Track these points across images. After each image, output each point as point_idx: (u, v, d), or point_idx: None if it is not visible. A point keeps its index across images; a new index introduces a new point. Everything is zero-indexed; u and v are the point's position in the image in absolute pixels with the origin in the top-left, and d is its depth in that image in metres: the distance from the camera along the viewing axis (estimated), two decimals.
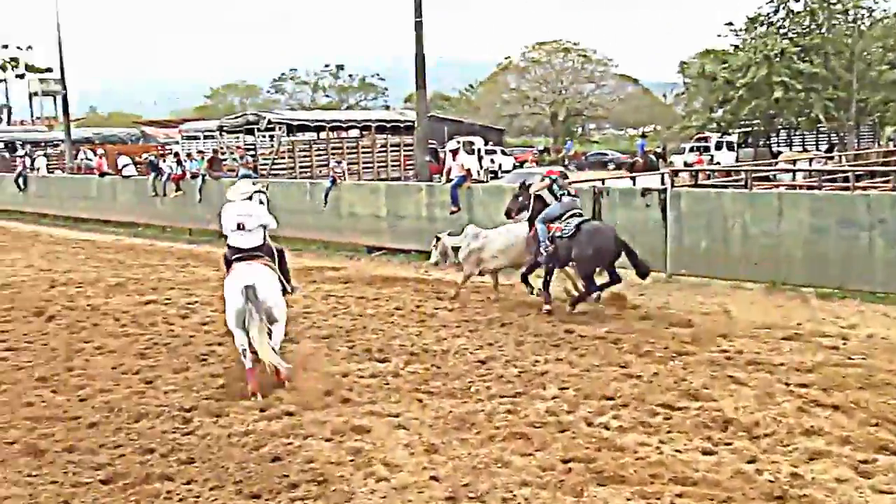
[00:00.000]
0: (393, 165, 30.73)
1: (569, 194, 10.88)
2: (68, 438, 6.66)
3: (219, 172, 21.19)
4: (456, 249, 11.82)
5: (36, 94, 62.06)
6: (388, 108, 61.16)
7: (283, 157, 27.26)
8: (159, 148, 34.32)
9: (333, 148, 28.80)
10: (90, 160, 27.32)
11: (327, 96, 77.45)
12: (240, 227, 7.99)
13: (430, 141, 21.19)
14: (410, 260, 15.65)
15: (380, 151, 30.92)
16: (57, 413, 7.27)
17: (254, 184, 8.70)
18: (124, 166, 24.32)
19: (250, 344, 7.48)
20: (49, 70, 46.88)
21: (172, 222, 21.82)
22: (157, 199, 22.21)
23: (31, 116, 62.77)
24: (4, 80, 47.27)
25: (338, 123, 31.70)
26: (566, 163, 45.48)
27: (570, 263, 10.68)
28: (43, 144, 38.85)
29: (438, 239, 12.13)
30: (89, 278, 14.42)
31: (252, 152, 26.22)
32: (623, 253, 10.33)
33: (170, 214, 21.95)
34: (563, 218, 10.68)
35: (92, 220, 24.40)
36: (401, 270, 14.54)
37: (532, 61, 63.91)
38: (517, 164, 45.52)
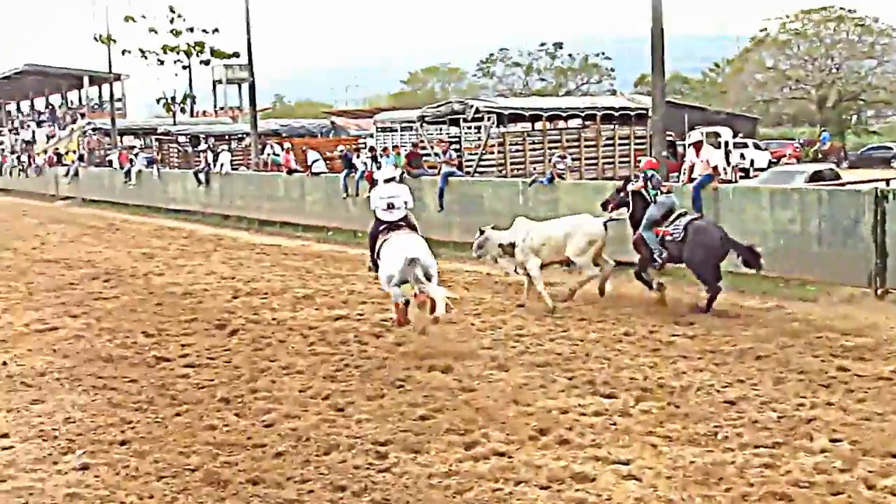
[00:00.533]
0: (622, 161, 30.37)
1: (663, 193, 12.55)
2: (253, 468, 7.07)
3: (418, 170, 21.77)
4: (512, 246, 12.99)
5: (220, 81, 66.60)
6: (614, 93, 60.53)
7: (493, 152, 27.57)
8: (352, 141, 35.81)
9: (551, 141, 28.88)
10: (277, 155, 28.83)
11: (543, 80, 77.63)
12: (389, 206, 11.65)
13: (667, 132, 20.71)
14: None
15: (606, 145, 30.66)
16: (240, 439, 7.75)
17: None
18: (313, 162, 25.40)
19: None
20: (236, 55, 50.11)
21: (366, 227, 22.73)
22: (350, 200, 23.13)
23: (215, 107, 67.56)
24: (188, 67, 51.14)
25: (556, 112, 31.65)
26: (819, 157, 43.04)
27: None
28: (227, 138, 41.55)
29: (482, 232, 13.40)
30: (275, 288, 15.33)
31: (456, 146, 26.69)
32: (732, 250, 11.85)
33: (363, 218, 22.88)
34: (670, 220, 12.39)
35: (277, 222, 25.92)
36: (630, 287, 14.33)
37: (794, 33, 61.09)
38: (773, 159, 43.68)
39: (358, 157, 24.08)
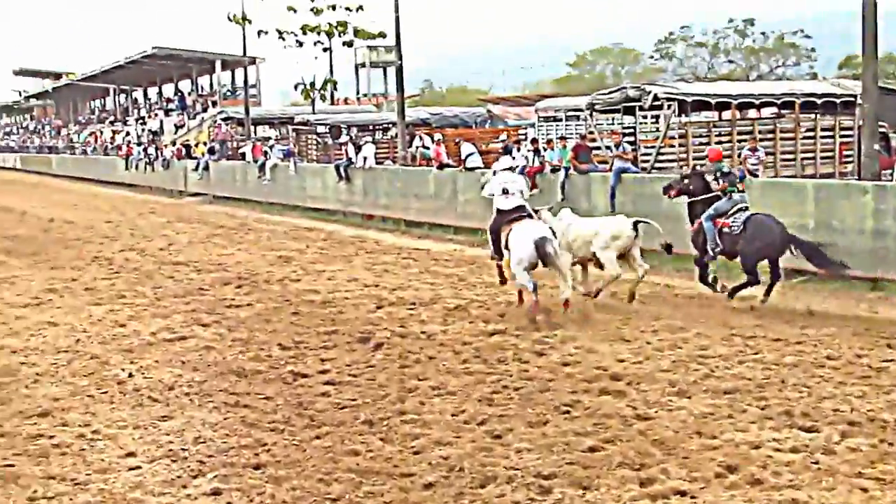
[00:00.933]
0: (824, 157, 29.44)
1: (738, 191, 14.41)
2: (399, 500, 7.23)
3: (587, 165, 21.70)
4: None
5: (363, 65, 67.95)
6: (815, 77, 58.60)
7: (673, 145, 27.18)
8: (512, 132, 35.91)
9: (740, 132, 28.27)
10: (427, 148, 29.19)
11: (731, 62, 75.81)
12: (505, 192, 14.10)
13: (879, 123, 19.91)
14: (850, 289, 14.95)
15: (805, 137, 29.79)
16: (386, 467, 7.92)
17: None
18: (468, 156, 25.60)
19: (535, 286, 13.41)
20: (381, 35, 50.83)
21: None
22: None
23: (357, 93, 68.93)
24: (329, 49, 52.21)
25: (747, 99, 30.91)
26: None
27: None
28: (370, 128, 42.32)
29: (537, 212, 14.81)
30: (424, 298, 15.60)
31: (631, 138, 26.45)
32: (793, 248, 13.63)
33: None
34: (730, 213, 14.31)
35: (427, 223, 26.33)
36: (835, 304, 13.91)
37: None
38: None
39: (518, 150, 24.15)
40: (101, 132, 70.11)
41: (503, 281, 15.06)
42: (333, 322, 13.94)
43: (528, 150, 23.36)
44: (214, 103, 63.06)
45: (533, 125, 37.43)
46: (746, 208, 14.38)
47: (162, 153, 48.37)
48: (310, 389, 10.40)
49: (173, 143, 50.69)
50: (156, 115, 65.92)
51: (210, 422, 9.35)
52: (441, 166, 26.39)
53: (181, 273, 19.51)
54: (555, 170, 22.08)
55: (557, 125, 34.03)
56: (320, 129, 41.57)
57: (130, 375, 11.21)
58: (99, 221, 31.38)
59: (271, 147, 37.04)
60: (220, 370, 11.33)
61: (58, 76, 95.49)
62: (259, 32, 49.11)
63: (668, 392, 9.74)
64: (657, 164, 25.64)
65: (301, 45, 50.85)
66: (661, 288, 15.82)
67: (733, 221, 14.27)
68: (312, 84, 49.43)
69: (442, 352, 11.83)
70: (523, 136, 33.08)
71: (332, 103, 55.08)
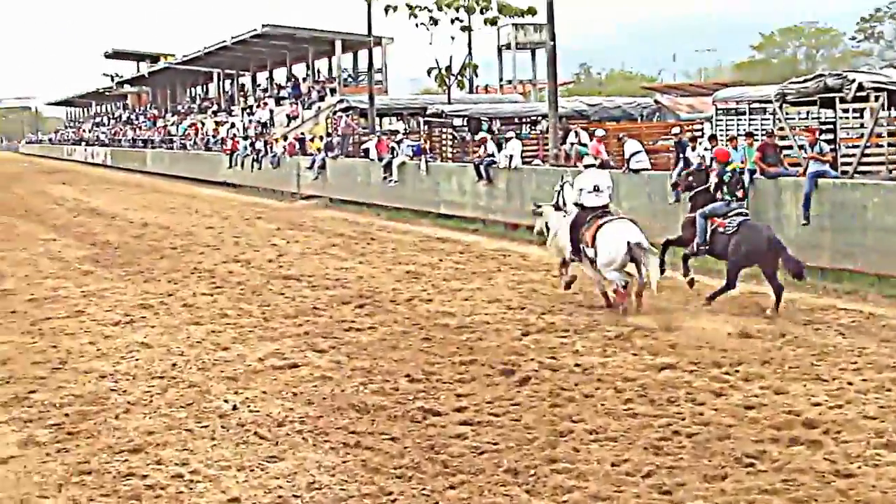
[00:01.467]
0: None
1: (738, 199, 17.07)
2: None
3: (776, 168, 21.33)
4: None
5: (507, 46, 68.08)
6: None
7: (881, 144, 26.52)
8: (685, 127, 35.48)
9: None
10: (584, 145, 29.05)
11: None
12: (596, 188, 16.93)
13: None
14: None
15: None
16: None
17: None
18: (633, 155, 25.43)
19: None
20: (531, 12, 50.67)
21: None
22: (681, 208, 23.04)
23: (500, 80, 69.01)
24: (468, 28, 52.29)
25: None
26: None
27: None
28: (516, 121, 42.22)
29: (539, 207, 18.92)
30: (578, 324, 15.59)
31: (829, 136, 25.90)
32: (781, 260, 15.92)
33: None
34: (728, 215, 16.86)
35: None
36: None
37: None
38: None
39: (693, 149, 23.86)
40: (203, 123, 71.30)
41: (568, 285, 17.84)
42: (471, 350, 14.03)
43: (705, 150, 23.01)
44: (333, 91, 63.87)
45: (710, 119, 36.91)
46: (745, 214, 17.00)
47: (272, 148, 49.18)
48: (443, 430, 10.48)
49: (285, 138, 51.49)
50: (265, 104, 66.67)
51: (326, 465, 9.50)
52: (601, 167, 26.21)
53: (293, 289, 19.90)
54: (738, 173, 21.69)
55: (740, 119, 33.55)
56: (457, 121, 41.70)
57: (234, 408, 11.50)
58: (199, 227, 32.30)
59: (399, 142, 37.34)
60: (337, 404, 11.51)
61: (154, 59, 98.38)
62: (386, 9, 49.18)
63: (873, 443, 9.54)
64: (861, 168, 24.97)
65: (436, 22, 50.87)
66: (865, 318, 15.44)
67: (729, 223, 16.85)
68: (448, 69, 49.54)
69: (600, 388, 11.80)
70: (699, 133, 32.64)
71: (471, 91, 55.12)
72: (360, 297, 18.70)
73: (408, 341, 14.77)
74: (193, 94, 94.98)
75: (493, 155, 30.26)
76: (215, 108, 79.41)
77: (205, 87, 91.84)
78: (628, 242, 15.92)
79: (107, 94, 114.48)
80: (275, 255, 25.16)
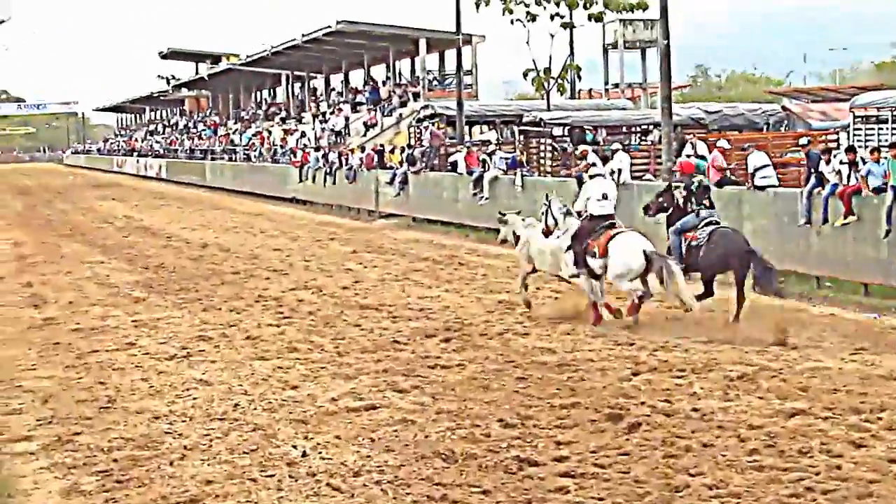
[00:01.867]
0: None
1: (706, 207, 19.36)
2: None
3: None
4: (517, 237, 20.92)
5: (614, 45, 67.77)
6: None
7: None
8: (816, 137, 35.11)
9: None
10: (702, 158, 28.84)
11: None
12: (604, 196, 19.00)
13: None
14: None
15: None
16: None
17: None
18: (757, 169, 25.20)
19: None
20: (641, 7, 50.30)
21: (840, 271, 22.54)
22: (813, 231, 22.81)
23: (605, 83, 68.72)
24: (570, 25, 51.97)
25: None
26: None
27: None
28: (624, 130, 42.04)
29: (504, 215, 22.31)
30: (696, 363, 15.54)
31: None
32: (751, 264, 18.32)
33: (837, 257, 22.41)
34: (699, 227, 19.17)
35: None
36: None
37: None
38: None
39: (828, 162, 23.60)
40: (270, 132, 71.86)
41: (528, 304, 20.42)
42: (573, 392, 14.02)
43: (842, 164, 22.71)
44: (417, 96, 64.11)
45: (846, 128, 36.36)
46: (716, 223, 19.37)
47: (347, 161, 49.45)
48: (541, 482, 10.49)
49: (362, 149, 51.70)
50: (340, 110, 66.91)
51: None
52: (722, 183, 26.00)
53: (370, 320, 20.07)
54: (879, 190, 21.44)
55: (881, 129, 33.06)
56: (556, 130, 41.52)
57: (304, 454, 11.59)
58: (264, 249, 32.66)
59: (491, 154, 37.37)
60: (420, 452, 11.56)
61: (215, 59, 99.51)
62: (477, 3, 49.05)
63: None
64: None
65: (533, 19, 50.52)
66: None
67: (700, 234, 19.17)
68: (547, 71, 49.46)
69: (721, 437, 11.72)
70: (834, 144, 32.23)
71: (573, 97, 54.93)
72: (446, 329, 18.79)
73: (501, 381, 14.80)
74: (259, 99, 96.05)
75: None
76: (284, 114, 79.97)
77: (272, 91, 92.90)
78: (644, 252, 18.25)
79: (162, 98, 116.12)
80: (350, 281, 25.38)
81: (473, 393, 14.13)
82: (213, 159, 78.20)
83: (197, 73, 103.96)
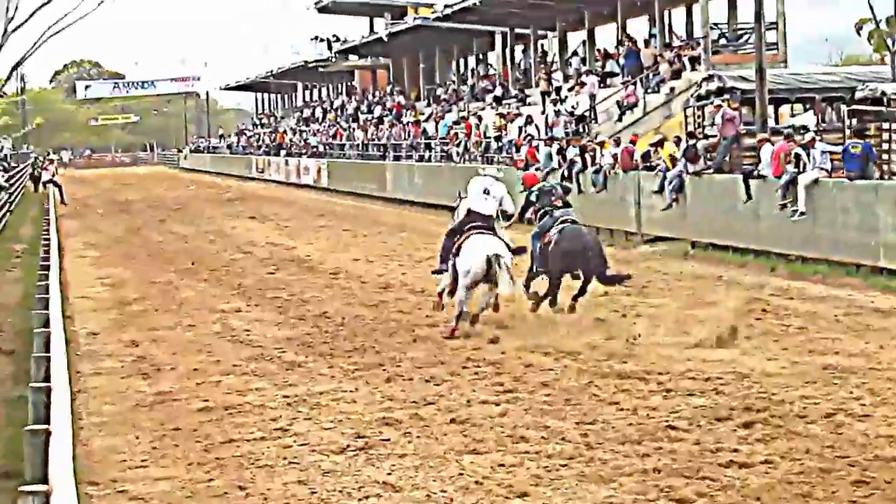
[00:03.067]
0: None
1: (560, 206, 28.21)
2: None
3: None
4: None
5: None
6: None
7: None
8: None
9: None
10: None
11: None
12: (486, 191, 27.49)
13: None
14: None
15: None
16: None
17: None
18: None
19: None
20: None
21: None
22: None
23: None
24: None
25: None
26: None
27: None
28: None
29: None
30: None
31: None
32: (589, 256, 27.30)
33: None
34: (554, 227, 27.51)
35: None
36: None
37: None
38: None
39: None
40: (479, 118, 71.25)
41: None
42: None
43: None
44: (695, 62, 63.20)
45: None
46: (571, 221, 27.94)
47: (594, 159, 49.28)
48: None
49: (616, 141, 51.03)
50: (583, 84, 66.19)
51: None
52: None
53: (632, 395, 20.11)
54: None
55: None
56: None
57: None
58: None
59: (807, 147, 36.95)
60: None
61: (398, 11, 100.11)
62: None
63: None
64: None
65: None
66: None
67: (552, 234, 27.55)
68: (893, 21, 48.93)
69: None
70: None
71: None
72: (745, 409, 18.73)
73: (830, 485, 14.73)
74: (463, 70, 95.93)
75: None
76: (499, 91, 79.28)
77: (482, 57, 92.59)
78: (488, 257, 25.47)
79: (320, 70, 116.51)
80: (601, 336, 25.26)
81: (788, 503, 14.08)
82: (396, 158, 78.61)
83: (372, 31, 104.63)
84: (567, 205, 28.93)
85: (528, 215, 29.77)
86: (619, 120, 59.30)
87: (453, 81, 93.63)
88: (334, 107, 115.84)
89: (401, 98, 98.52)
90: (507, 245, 26.61)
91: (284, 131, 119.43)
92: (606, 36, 76.18)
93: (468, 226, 26.67)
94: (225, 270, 40.29)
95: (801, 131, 40.64)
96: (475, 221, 26.71)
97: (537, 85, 74.37)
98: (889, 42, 47.69)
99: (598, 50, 74.31)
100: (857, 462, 15.60)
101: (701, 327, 25.93)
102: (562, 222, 27.77)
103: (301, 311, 30.30)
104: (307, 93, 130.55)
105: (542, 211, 28.73)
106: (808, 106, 49.18)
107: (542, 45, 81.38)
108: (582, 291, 27.68)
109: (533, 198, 29.20)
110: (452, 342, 25.05)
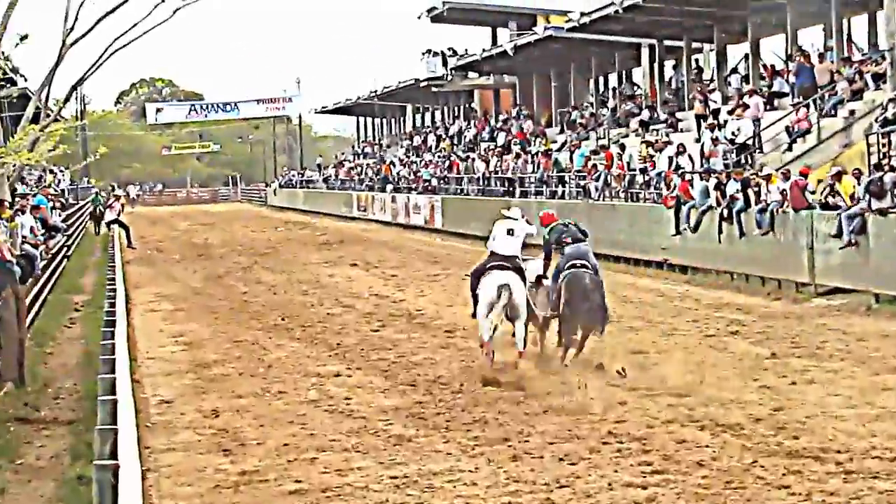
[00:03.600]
0: None
1: (573, 241, 31.87)
2: None
3: None
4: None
5: None
6: None
7: None
8: None
9: None
10: None
11: None
12: (509, 232, 32.09)
13: None
14: None
15: None
16: None
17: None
18: None
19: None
20: None
21: None
22: None
23: None
24: None
25: None
26: None
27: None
28: None
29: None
30: None
31: None
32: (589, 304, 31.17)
33: None
34: (565, 268, 31.35)
35: None
36: None
37: None
38: None
39: None
40: (621, 145, 71.18)
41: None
42: None
43: None
44: (879, 79, 62.41)
45: None
46: (580, 263, 31.11)
47: (759, 195, 49.07)
48: None
49: (785, 174, 50.82)
50: (746, 106, 65.85)
51: None
52: None
53: (806, 477, 19.98)
54: None
55: None
56: None
57: None
58: (612, 355, 31.91)
59: None
60: None
61: (525, 22, 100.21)
62: None
63: None
64: None
65: None
66: None
67: (564, 275, 31.02)
68: None
69: None
70: None
71: None
72: None
73: None
74: (603, 90, 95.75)
75: None
76: (645, 115, 78.92)
77: (624, 74, 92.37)
78: (499, 286, 29.75)
79: (433, 89, 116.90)
80: (767, 407, 25.34)
81: None
82: (523, 195, 78.44)
83: (494, 44, 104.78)
84: (579, 240, 31.98)
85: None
86: (789, 149, 58.95)
87: (591, 103, 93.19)
88: (450, 133, 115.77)
89: (529, 123, 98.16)
90: (524, 277, 31.08)
91: (391, 162, 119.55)
92: (773, 48, 75.95)
93: (489, 265, 31.08)
94: (321, 327, 40.36)
95: None
96: (494, 261, 31.05)
97: (691, 107, 74.15)
98: None
99: (764, 65, 73.85)
100: None
101: (888, 396, 25.85)
102: (570, 266, 31.28)
103: (411, 376, 30.36)
104: (418, 117, 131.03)
105: (556, 248, 32.27)
106: None
107: (697, 60, 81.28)
108: (580, 348, 31.43)
109: (548, 236, 32.61)
110: (591, 416, 24.86)
